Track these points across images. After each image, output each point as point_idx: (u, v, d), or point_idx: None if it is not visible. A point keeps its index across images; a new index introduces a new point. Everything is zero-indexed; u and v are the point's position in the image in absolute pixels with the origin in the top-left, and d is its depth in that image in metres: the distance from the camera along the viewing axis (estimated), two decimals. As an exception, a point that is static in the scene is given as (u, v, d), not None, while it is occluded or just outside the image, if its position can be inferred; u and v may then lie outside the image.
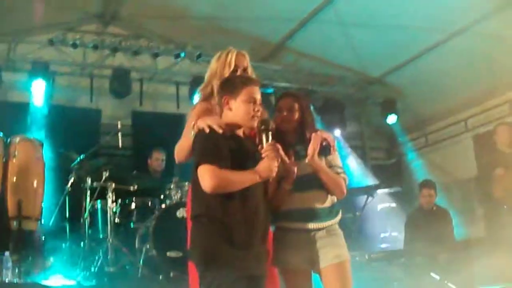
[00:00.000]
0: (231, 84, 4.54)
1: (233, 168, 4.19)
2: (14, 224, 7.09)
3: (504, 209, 9.39)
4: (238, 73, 5.04)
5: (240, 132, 4.50)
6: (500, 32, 10.63)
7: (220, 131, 4.33)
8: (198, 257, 4.21)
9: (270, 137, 4.42)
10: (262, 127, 4.45)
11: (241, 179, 4.22)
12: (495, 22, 10.60)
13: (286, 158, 4.49)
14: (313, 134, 4.75)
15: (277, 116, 4.89)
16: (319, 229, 4.64)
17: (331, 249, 4.62)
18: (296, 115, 4.89)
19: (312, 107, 11.82)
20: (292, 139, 4.83)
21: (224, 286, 4.07)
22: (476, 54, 11.54)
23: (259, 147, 4.43)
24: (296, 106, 4.91)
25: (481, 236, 11.55)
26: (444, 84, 12.74)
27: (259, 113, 4.44)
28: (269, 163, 4.28)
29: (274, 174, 4.31)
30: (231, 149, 4.26)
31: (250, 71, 5.26)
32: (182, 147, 4.89)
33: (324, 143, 4.77)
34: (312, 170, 4.67)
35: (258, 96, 4.48)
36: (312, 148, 4.64)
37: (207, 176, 4.10)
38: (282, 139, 4.67)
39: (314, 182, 4.67)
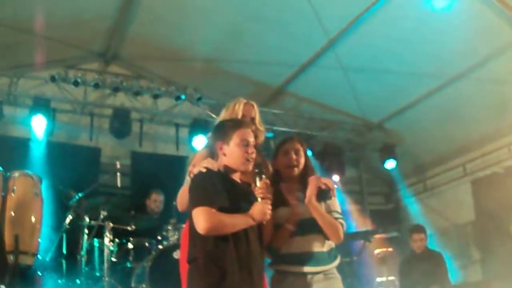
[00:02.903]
0: (223, 129, 4.57)
1: (227, 211, 4.19)
2: (11, 258, 7.08)
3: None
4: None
5: (235, 176, 4.50)
6: (498, 76, 10.70)
7: (215, 169, 4.35)
8: (194, 300, 4.20)
9: (264, 179, 4.45)
10: (256, 170, 4.47)
11: (235, 221, 4.21)
12: (493, 67, 10.69)
13: (292, 199, 4.51)
14: (311, 178, 4.78)
15: (282, 159, 4.92)
16: (316, 273, 4.64)
17: (328, 293, 4.63)
18: (303, 159, 4.94)
19: (311, 152, 11.96)
20: (293, 183, 4.86)
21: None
22: (474, 98, 11.60)
23: (254, 188, 4.45)
24: (302, 150, 4.95)
25: (478, 279, 11.56)
26: (442, 129, 12.77)
27: (253, 155, 4.44)
28: (262, 206, 4.29)
29: (267, 217, 4.31)
30: (226, 193, 4.25)
31: (258, 121, 5.29)
32: (184, 195, 4.86)
33: (323, 187, 4.79)
34: (310, 215, 4.68)
35: (251, 139, 4.48)
36: (310, 190, 4.66)
37: (201, 218, 4.11)
38: (284, 182, 4.71)
39: (313, 226, 4.68)
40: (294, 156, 4.92)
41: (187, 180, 4.78)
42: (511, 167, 12.15)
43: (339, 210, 4.89)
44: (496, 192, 11.99)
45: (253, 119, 5.24)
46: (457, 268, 11.85)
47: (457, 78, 11.36)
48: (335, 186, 5.02)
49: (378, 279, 12.00)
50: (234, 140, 4.41)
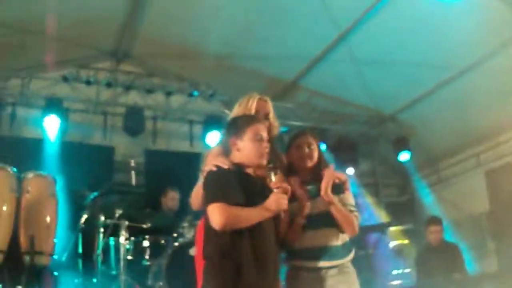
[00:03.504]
0: (236, 125, 4.59)
1: (243, 206, 4.21)
2: (27, 259, 7.10)
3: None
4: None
5: (249, 171, 4.50)
6: (510, 66, 10.66)
7: (226, 166, 4.36)
8: (211, 297, 4.21)
9: (279, 174, 4.45)
10: (271, 165, 4.47)
11: (250, 215, 4.22)
12: (504, 57, 10.66)
13: (299, 192, 4.51)
14: (326, 170, 4.78)
15: (295, 153, 4.92)
16: (330, 267, 4.65)
17: (343, 286, 4.63)
18: (316, 153, 4.93)
19: (325, 146, 11.95)
20: (306, 177, 4.85)
21: (236, 325, 4.08)
22: (486, 89, 11.56)
23: (269, 183, 4.45)
24: (315, 144, 4.95)
25: (494, 270, 11.52)
26: (455, 120, 12.77)
27: (267, 150, 4.46)
28: (277, 197, 4.28)
29: (283, 207, 4.30)
30: (241, 188, 4.27)
31: (272, 116, 5.27)
32: (198, 194, 4.86)
33: (337, 181, 4.79)
34: (325, 208, 4.69)
35: (265, 134, 4.49)
36: (325, 183, 4.66)
37: (216, 213, 4.12)
38: (296, 176, 4.70)
39: (326, 220, 4.69)
40: (306, 150, 4.92)
41: (201, 178, 4.80)
42: (524, 157, 12.13)
43: (353, 203, 4.89)
44: (510, 182, 11.96)
45: (267, 115, 5.22)
46: (472, 259, 11.82)
47: (469, 69, 11.32)
48: (349, 179, 5.02)
49: (394, 272, 12.01)
50: (248, 135, 4.43)
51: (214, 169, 4.36)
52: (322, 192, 4.65)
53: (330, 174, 4.72)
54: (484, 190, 12.99)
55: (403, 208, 15.02)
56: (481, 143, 13.15)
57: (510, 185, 12.01)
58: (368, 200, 14.07)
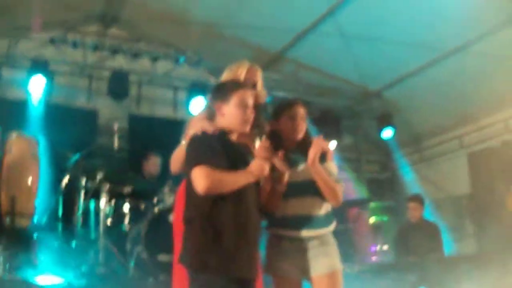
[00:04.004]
0: (222, 90, 4.57)
1: (225, 170, 4.20)
2: (7, 220, 7.09)
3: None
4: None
5: (233, 137, 4.50)
6: (497, 51, 10.68)
7: (210, 131, 4.36)
8: (189, 260, 4.20)
9: (264, 140, 4.44)
10: (256, 131, 4.47)
11: (234, 179, 4.22)
12: (492, 41, 10.66)
13: (277, 161, 4.49)
14: (315, 139, 4.76)
15: (288, 123, 4.89)
16: (312, 238, 4.65)
17: (324, 259, 4.63)
18: (305, 125, 4.93)
19: (309, 118, 11.94)
20: (290, 146, 4.83)
21: (216, 289, 4.10)
22: (473, 72, 11.61)
23: (253, 149, 4.45)
24: (304, 115, 4.94)
25: (472, 252, 11.61)
26: (440, 101, 12.81)
27: (251, 117, 4.45)
28: (260, 162, 4.28)
29: (265, 173, 4.30)
30: (224, 153, 4.26)
31: (260, 85, 5.29)
32: (178, 157, 4.90)
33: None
34: (308, 177, 4.68)
35: (250, 101, 4.48)
36: (314, 152, 4.62)
37: (201, 177, 4.11)
38: (279, 144, 4.68)
39: (310, 188, 4.68)
40: (300, 122, 4.90)
41: (182, 142, 4.79)
42: (507, 141, 12.18)
43: (336, 173, 4.87)
44: (492, 166, 12.05)
45: (255, 84, 5.24)
46: (451, 240, 11.90)
47: (457, 50, 11.34)
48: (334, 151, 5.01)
49: (373, 248, 12.09)
50: (233, 101, 4.42)
51: (198, 133, 4.35)
52: (309, 162, 4.62)
53: (319, 144, 4.70)
54: (466, 172, 13.07)
55: (384, 184, 15.12)
56: (465, 125, 13.24)
57: (491, 169, 12.08)
58: (349, 174, 14.13)
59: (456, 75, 11.89)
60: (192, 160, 4.26)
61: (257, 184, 4.43)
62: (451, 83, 12.20)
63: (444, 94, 12.56)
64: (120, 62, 12.45)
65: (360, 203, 13.10)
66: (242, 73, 5.19)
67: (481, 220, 12.12)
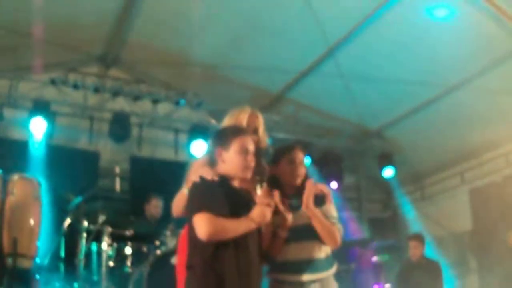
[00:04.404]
0: (223, 136, 4.56)
1: (228, 218, 4.19)
2: (9, 261, 7.08)
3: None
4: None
5: (235, 183, 4.48)
6: (497, 86, 10.72)
7: (209, 177, 4.36)
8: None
9: (265, 187, 4.45)
10: (258, 177, 4.47)
11: (236, 226, 4.20)
12: (492, 77, 10.70)
13: (280, 206, 4.49)
14: (308, 182, 4.75)
15: (287, 168, 4.89)
16: (313, 281, 4.64)
17: (325, 302, 4.62)
18: (305, 169, 4.94)
19: (310, 159, 11.96)
20: (290, 190, 4.84)
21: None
22: (473, 107, 11.64)
23: (254, 196, 4.45)
24: (303, 160, 4.95)
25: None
26: (441, 137, 12.83)
27: (252, 163, 4.44)
28: (262, 209, 4.27)
29: (267, 219, 4.30)
30: (226, 199, 4.25)
31: (262, 131, 5.28)
32: (179, 201, 4.90)
33: (319, 193, 4.79)
34: (308, 221, 4.68)
35: (251, 147, 4.46)
36: (307, 195, 4.64)
37: (203, 224, 4.10)
38: (279, 189, 4.69)
39: (309, 232, 4.68)
40: (299, 167, 4.90)
41: (184, 186, 4.80)
42: (509, 177, 12.18)
43: (335, 215, 4.87)
44: (494, 201, 12.04)
45: (256, 129, 5.22)
46: (454, 277, 11.86)
47: (457, 87, 11.38)
48: (332, 193, 5.02)
49: (375, 287, 12.02)
50: (234, 147, 4.40)
51: (199, 179, 4.35)
52: (303, 206, 4.63)
53: (311, 187, 4.70)
54: (468, 209, 13.03)
55: (386, 223, 15.08)
56: (466, 161, 13.22)
57: (493, 204, 12.06)
58: (351, 215, 14.10)
59: (456, 111, 11.92)
60: (194, 206, 4.26)
61: (258, 229, 4.42)
62: (451, 120, 12.23)
63: (444, 130, 12.59)
64: (121, 104, 12.48)
65: (362, 243, 13.06)
66: (243, 119, 5.17)
67: (483, 256, 12.09)
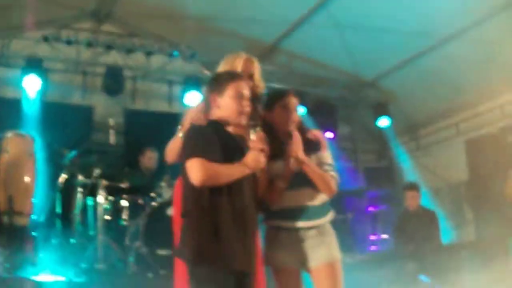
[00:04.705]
0: (218, 81, 4.54)
1: (222, 163, 4.19)
2: (5, 219, 7.09)
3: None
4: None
5: (229, 129, 4.47)
6: (493, 37, 10.66)
7: (200, 122, 4.36)
8: (188, 254, 4.19)
9: (259, 132, 4.42)
10: (251, 122, 4.45)
11: (230, 171, 4.21)
12: (488, 27, 10.62)
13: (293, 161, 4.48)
14: (294, 131, 4.72)
15: (281, 114, 4.85)
16: (309, 228, 4.63)
17: (322, 249, 4.62)
18: (297, 115, 4.91)
19: (304, 109, 11.93)
20: (282, 136, 4.80)
21: (214, 283, 4.08)
22: (468, 58, 11.56)
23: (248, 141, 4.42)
24: (297, 105, 4.93)
25: (471, 239, 11.61)
26: (436, 88, 12.78)
27: (247, 108, 4.42)
28: (256, 155, 4.26)
29: (261, 165, 4.30)
30: (220, 144, 4.25)
31: (257, 77, 5.25)
32: (173, 148, 4.90)
33: (313, 139, 4.79)
34: (300, 168, 4.65)
35: (246, 92, 4.45)
36: (295, 145, 4.61)
37: (196, 169, 4.10)
38: (273, 135, 4.67)
39: (305, 179, 4.64)
40: (293, 113, 4.86)
41: (179, 133, 4.80)
42: (504, 128, 12.14)
43: (331, 163, 4.83)
44: (490, 152, 12.02)
45: (252, 75, 5.18)
46: (450, 228, 11.92)
47: (452, 37, 11.32)
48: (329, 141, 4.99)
49: (372, 237, 12.10)
50: (228, 92, 4.38)
51: (194, 125, 4.36)
52: (292, 154, 4.61)
53: (297, 135, 4.67)
54: (464, 159, 12.99)
55: (381, 173, 15.07)
56: (462, 112, 13.18)
57: (489, 155, 12.05)
58: (346, 164, 14.12)
59: (452, 62, 11.84)
60: (188, 151, 4.25)
61: (253, 176, 4.41)
62: (446, 71, 12.17)
63: (440, 81, 12.54)
64: (114, 57, 12.43)
65: (358, 193, 13.11)
66: (238, 64, 5.14)
67: (479, 206, 12.10)
